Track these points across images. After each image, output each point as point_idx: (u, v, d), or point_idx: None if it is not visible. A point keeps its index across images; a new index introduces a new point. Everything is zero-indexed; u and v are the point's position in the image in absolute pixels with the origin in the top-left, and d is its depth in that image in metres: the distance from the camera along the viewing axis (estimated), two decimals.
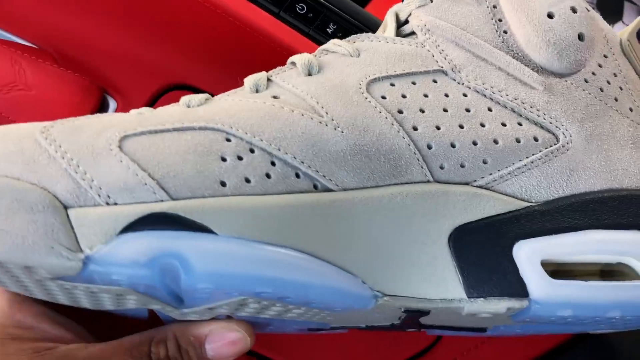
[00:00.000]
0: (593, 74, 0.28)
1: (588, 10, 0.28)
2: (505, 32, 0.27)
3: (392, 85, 0.26)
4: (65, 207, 0.21)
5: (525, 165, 0.25)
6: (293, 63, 0.27)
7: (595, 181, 0.26)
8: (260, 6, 0.35)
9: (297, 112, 0.24)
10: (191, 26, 0.36)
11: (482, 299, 0.24)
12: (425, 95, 0.25)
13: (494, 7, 0.28)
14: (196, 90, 0.38)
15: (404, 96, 0.25)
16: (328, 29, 0.36)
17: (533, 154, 0.25)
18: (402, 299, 0.24)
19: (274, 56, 0.35)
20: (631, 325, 0.27)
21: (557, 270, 0.26)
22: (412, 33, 0.28)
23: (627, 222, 0.25)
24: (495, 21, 0.27)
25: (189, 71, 0.37)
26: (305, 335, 0.36)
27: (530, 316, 0.25)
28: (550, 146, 0.26)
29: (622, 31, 0.30)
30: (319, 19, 0.36)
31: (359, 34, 0.28)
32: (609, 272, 0.27)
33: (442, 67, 0.26)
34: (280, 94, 0.25)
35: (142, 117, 0.23)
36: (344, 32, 0.36)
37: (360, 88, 0.25)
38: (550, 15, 0.27)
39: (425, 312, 0.25)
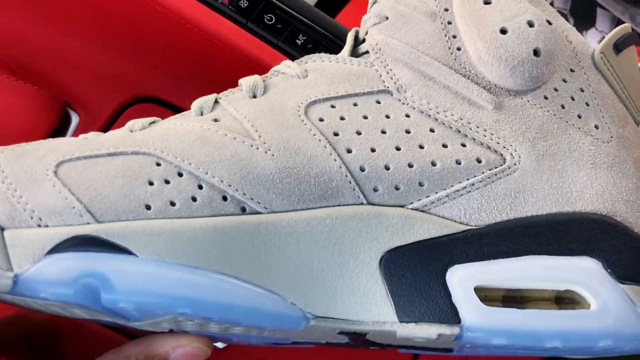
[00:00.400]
0: (555, 89, 0.27)
1: (550, 23, 0.27)
2: (458, 49, 0.27)
3: (333, 107, 0.26)
4: (2, 229, 0.22)
5: (464, 187, 0.25)
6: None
7: (543, 204, 0.25)
8: (227, 17, 0.35)
9: (230, 136, 0.24)
10: (157, 37, 0.36)
11: (413, 323, 0.24)
12: (365, 117, 0.25)
13: (449, 23, 0.27)
14: (163, 103, 0.39)
15: (342, 118, 0.25)
16: (297, 40, 0.36)
17: (474, 176, 0.25)
18: (334, 320, 0.24)
19: (242, 68, 0.35)
20: (583, 354, 0.25)
21: (508, 296, 0.25)
22: (367, 52, 0.28)
23: (577, 248, 0.24)
24: (449, 38, 0.27)
25: (155, 83, 0.38)
26: (284, 350, 0.37)
27: (465, 342, 0.24)
28: (495, 167, 0.25)
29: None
30: (287, 30, 0.35)
31: (312, 54, 0.28)
32: (566, 298, 0.26)
33: (387, 87, 0.26)
34: (222, 117, 0.26)
35: (83, 142, 0.24)
36: (313, 44, 0.36)
37: (298, 110, 0.25)
38: (503, 31, 0.26)
39: (362, 334, 0.25)
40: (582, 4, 0.61)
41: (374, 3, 0.29)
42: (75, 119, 0.40)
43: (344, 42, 0.36)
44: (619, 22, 0.61)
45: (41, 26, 0.37)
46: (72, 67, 0.38)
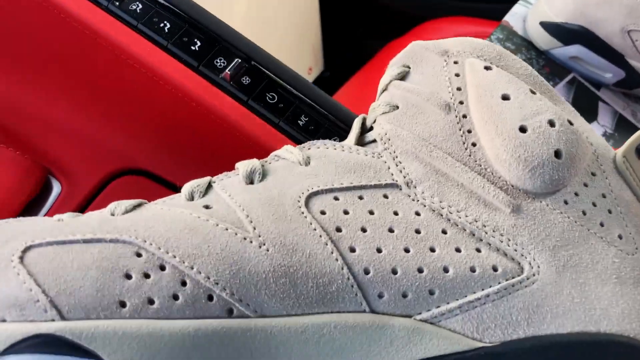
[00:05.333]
0: (576, 194, 0.25)
1: (571, 124, 0.25)
2: (474, 144, 0.25)
3: (336, 199, 0.23)
4: None
5: (478, 298, 0.22)
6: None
7: (564, 321, 0.22)
8: (228, 93, 0.34)
9: (222, 227, 0.22)
10: (152, 108, 0.34)
11: None
12: (371, 212, 0.23)
13: (464, 116, 0.25)
14: (153, 177, 0.36)
15: (346, 212, 0.23)
16: (299, 121, 0.34)
17: (490, 286, 0.22)
18: None
19: (239, 147, 0.33)
20: None
21: None
22: (374, 141, 0.26)
23: None
24: (464, 132, 0.25)
25: (146, 155, 0.35)
26: None
27: None
28: (512, 277, 0.23)
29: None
30: (289, 110, 0.34)
31: (316, 141, 0.26)
32: None
33: (396, 181, 0.24)
34: (214, 204, 0.23)
35: (58, 224, 0.22)
36: (315, 125, 0.34)
37: (298, 201, 0.23)
38: (522, 129, 0.24)
39: None
40: (584, 97, 0.61)
41: (383, 90, 0.27)
42: (56, 188, 0.37)
43: (347, 125, 0.35)
44: (621, 117, 0.61)
45: (30, 88, 0.36)
46: (58, 132, 0.36)
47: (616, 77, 0.59)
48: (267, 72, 0.35)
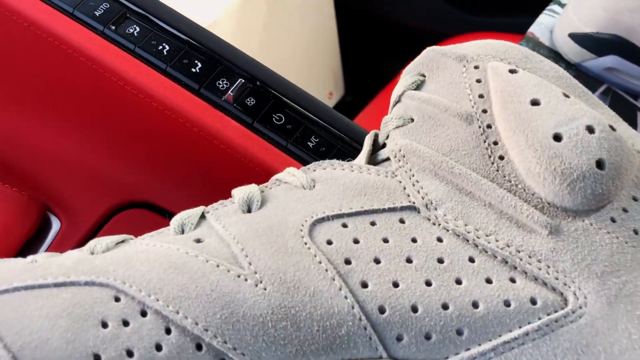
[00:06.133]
0: (624, 210, 0.21)
1: (613, 129, 0.22)
2: (501, 157, 0.22)
3: (345, 226, 0.20)
4: None
5: (516, 338, 0.19)
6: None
7: None
8: (232, 116, 0.31)
9: (212, 263, 0.19)
10: (152, 136, 0.32)
11: None
12: (385, 240, 0.20)
13: (488, 126, 0.22)
14: (157, 209, 0.34)
15: (356, 241, 0.20)
16: (309, 143, 0.31)
17: (529, 323, 0.19)
18: None
19: (246, 173, 0.31)
20: None
21: None
22: (388, 159, 0.23)
23: None
24: (489, 144, 0.22)
25: (149, 187, 0.33)
26: None
27: None
28: (555, 311, 0.19)
29: None
30: (298, 131, 0.31)
31: (321, 161, 0.23)
32: None
33: (413, 202, 0.21)
34: (206, 237, 0.21)
35: (30, 266, 0.19)
36: (327, 147, 0.31)
37: (301, 230, 0.20)
38: (557, 137, 0.21)
39: None
40: (621, 108, 0.57)
41: (396, 102, 0.25)
42: (55, 225, 0.35)
43: (361, 145, 0.32)
44: None
45: (25, 120, 0.34)
46: (55, 165, 0.34)
47: None
48: (273, 91, 0.33)
